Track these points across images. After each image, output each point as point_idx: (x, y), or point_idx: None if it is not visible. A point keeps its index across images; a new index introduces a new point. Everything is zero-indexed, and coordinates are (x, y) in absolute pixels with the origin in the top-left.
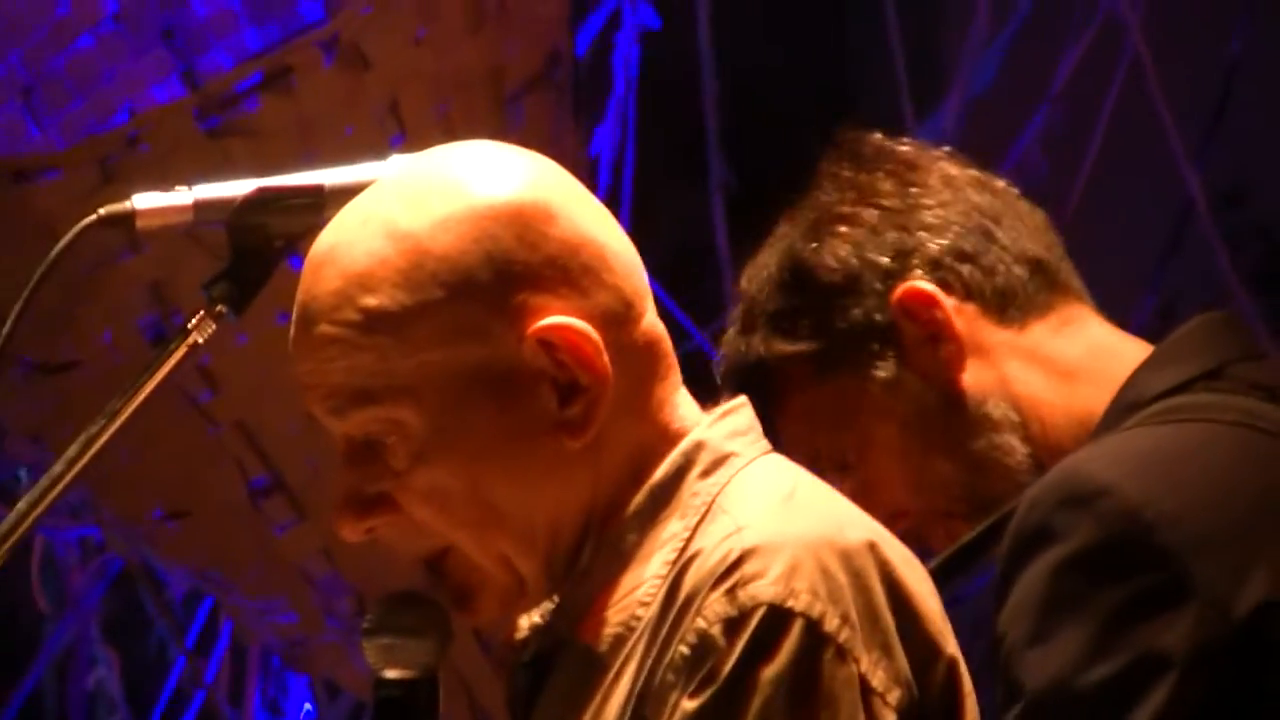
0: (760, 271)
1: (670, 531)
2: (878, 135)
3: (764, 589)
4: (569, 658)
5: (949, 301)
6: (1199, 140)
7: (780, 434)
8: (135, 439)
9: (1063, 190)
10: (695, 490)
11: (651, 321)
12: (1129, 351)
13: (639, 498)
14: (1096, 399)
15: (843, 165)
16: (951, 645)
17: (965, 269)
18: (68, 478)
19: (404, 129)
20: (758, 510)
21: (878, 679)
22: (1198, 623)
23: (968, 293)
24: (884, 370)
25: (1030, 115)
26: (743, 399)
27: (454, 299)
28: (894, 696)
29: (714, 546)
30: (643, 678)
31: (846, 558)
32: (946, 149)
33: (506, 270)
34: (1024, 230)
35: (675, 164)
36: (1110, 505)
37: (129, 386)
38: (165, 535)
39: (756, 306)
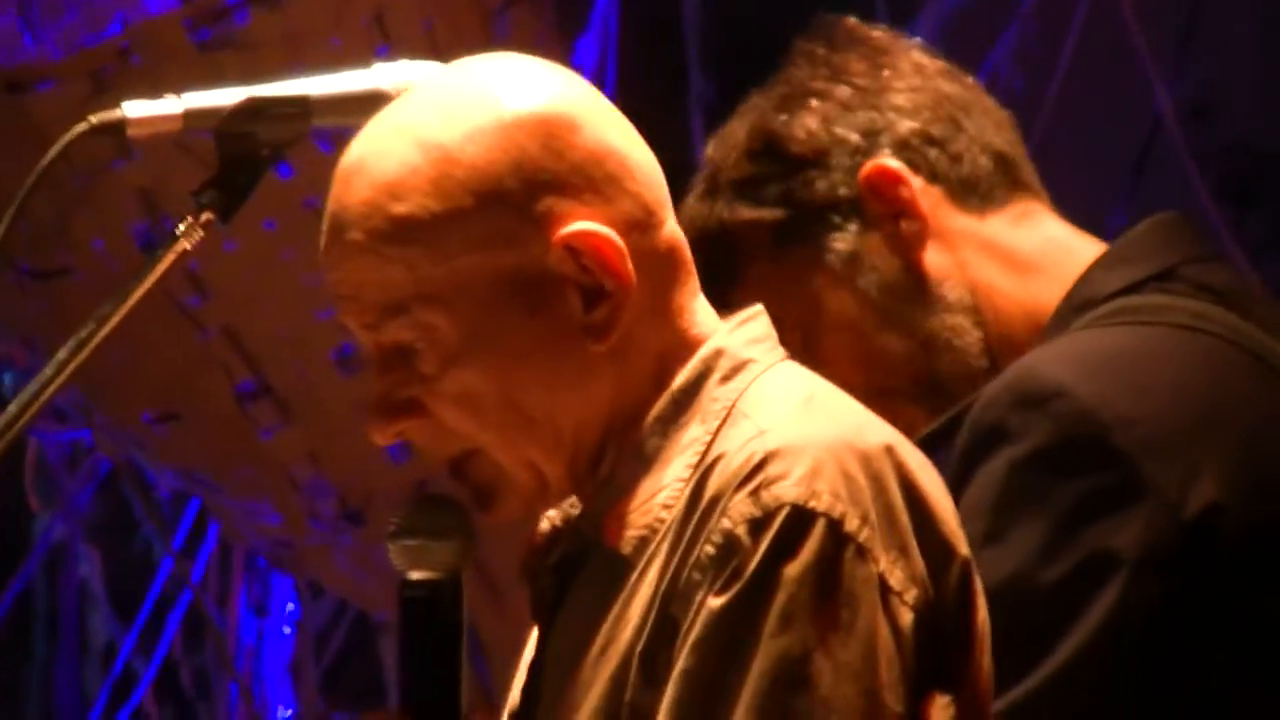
0: (728, 139)
1: (691, 436)
2: (852, 19)
3: (787, 490)
4: (594, 561)
5: (915, 182)
6: (1169, 56)
7: (734, 302)
8: (125, 344)
9: (1035, 104)
10: (715, 396)
11: (672, 229)
12: (1083, 249)
13: (661, 403)
14: (1049, 292)
15: (817, 45)
16: (964, 547)
17: (932, 153)
18: (58, 381)
19: (389, 41)
20: (779, 414)
21: (896, 578)
22: (1149, 523)
23: (933, 176)
24: (843, 242)
25: (1002, 30)
26: (759, 307)
27: (482, 206)
28: (911, 595)
29: (737, 450)
30: (668, 578)
31: (866, 460)
32: (917, 40)
33: (533, 178)
34: (990, 124)
35: (655, 78)
36: (1065, 406)
37: (119, 292)
38: (154, 438)
39: (722, 173)
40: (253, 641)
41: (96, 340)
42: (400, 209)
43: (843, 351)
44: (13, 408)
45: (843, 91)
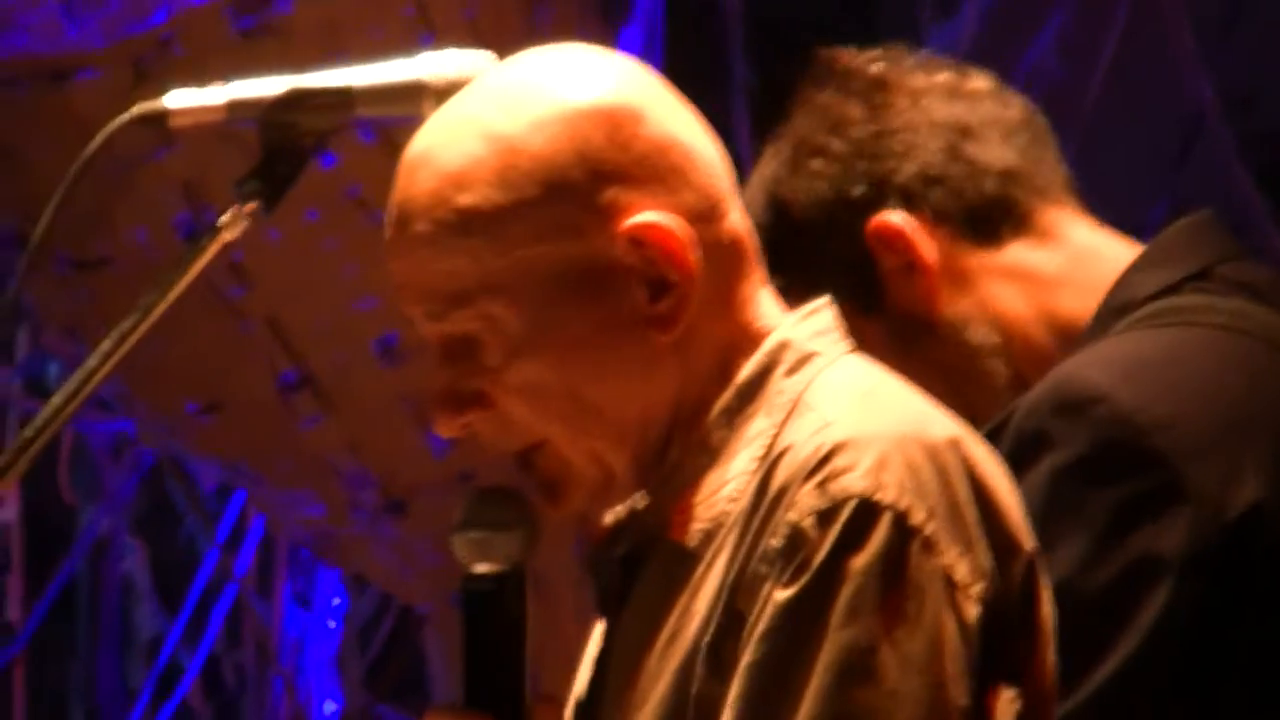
0: (746, 206)
1: (757, 429)
2: (850, 53)
3: (854, 482)
4: (659, 554)
5: (919, 232)
6: (1210, 47)
7: None
8: (168, 334)
9: (1077, 95)
10: (781, 388)
11: (735, 220)
12: (1115, 252)
13: (726, 395)
14: (1081, 305)
15: (815, 90)
16: (1030, 541)
17: (935, 193)
18: (103, 371)
19: (433, 30)
20: (845, 407)
21: (961, 572)
22: (1192, 525)
23: (940, 216)
24: (863, 302)
25: (1046, 21)
26: (825, 299)
27: (547, 198)
28: (977, 589)
29: (804, 442)
30: (734, 570)
31: (932, 453)
32: (919, 55)
33: (598, 169)
34: (995, 136)
35: (699, 66)
36: (1104, 411)
37: (163, 282)
38: (197, 429)
39: None
40: (297, 635)
41: (141, 331)
42: (465, 200)
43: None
44: (57, 398)
45: (841, 146)
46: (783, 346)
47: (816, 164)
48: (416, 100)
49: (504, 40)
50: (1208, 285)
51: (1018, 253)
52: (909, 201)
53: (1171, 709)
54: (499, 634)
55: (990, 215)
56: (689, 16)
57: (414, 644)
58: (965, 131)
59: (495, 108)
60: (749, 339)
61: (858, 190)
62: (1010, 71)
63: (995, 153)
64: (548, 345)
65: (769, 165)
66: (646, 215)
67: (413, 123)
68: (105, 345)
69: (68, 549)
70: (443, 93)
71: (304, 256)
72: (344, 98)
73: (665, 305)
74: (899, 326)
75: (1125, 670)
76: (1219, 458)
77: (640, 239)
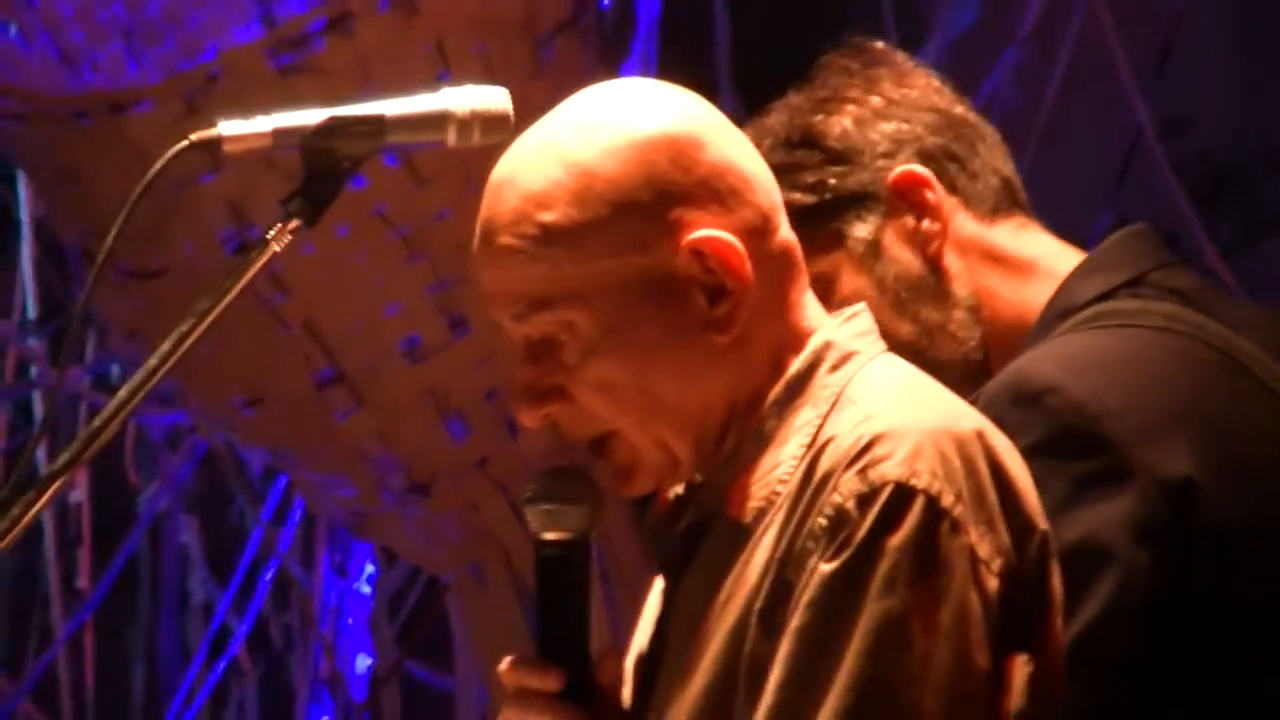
0: (766, 129)
1: (804, 419)
2: (880, 43)
3: (892, 469)
4: (717, 528)
5: (938, 187)
6: (1147, 78)
7: None
8: (217, 336)
9: (1029, 120)
10: (825, 383)
11: (785, 234)
12: (1068, 258)
13: (777, 389)
14: (1040, 296)
15: (850, 59)
16: (1043, 522)
17: (952, 167)
18: (163, 370)
19: (449, 67)
20: (883, 401)
21: (984, 549)
22: (1137, 498)
23: (952, 187)
24: (864, 232)
25: (1001, 54)
26: (863, 305)
27: (619, 215)
28: (997, 564)
29: (847, 432)
30: (784, 544)
31: (960, 444)
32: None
33: (664, 191)
34: (997, 151)
35: None
36: (1058, 401)
37: (215, 290)
38: (243, 420)
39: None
40: (335, 601)
41: (197, 333)
42: (547, 217)
43: None
44: (122, 393)
45: (875, 101)
46: (827, 346)
47: (850, 108)
48: (441, 128)
49: (512, 74)
50: (1141, 291)
51: (1001, 236)
52: (929, 164)
53: (1131, 660)
54: (567, 594)
55: (988, 201)
56: (681, 54)
57: (438, 608)
58: (979, 134)
59: (571, 136)
60: (797, 338)
61: (885, 140)
62: (970, 97)
63: (997, 161)
64: (619, 346)
65: (798, 103)
66: (706, 231)
67: (433, 149)
68: (165, 347)
69: (131, 525)
70: (464, 121)
71: (336, 267)
72: (377, 126)
73: (723, 310)
74: (891, 271)
75: (1087, 631)
76: (1159, 441)
77: (701, 252)
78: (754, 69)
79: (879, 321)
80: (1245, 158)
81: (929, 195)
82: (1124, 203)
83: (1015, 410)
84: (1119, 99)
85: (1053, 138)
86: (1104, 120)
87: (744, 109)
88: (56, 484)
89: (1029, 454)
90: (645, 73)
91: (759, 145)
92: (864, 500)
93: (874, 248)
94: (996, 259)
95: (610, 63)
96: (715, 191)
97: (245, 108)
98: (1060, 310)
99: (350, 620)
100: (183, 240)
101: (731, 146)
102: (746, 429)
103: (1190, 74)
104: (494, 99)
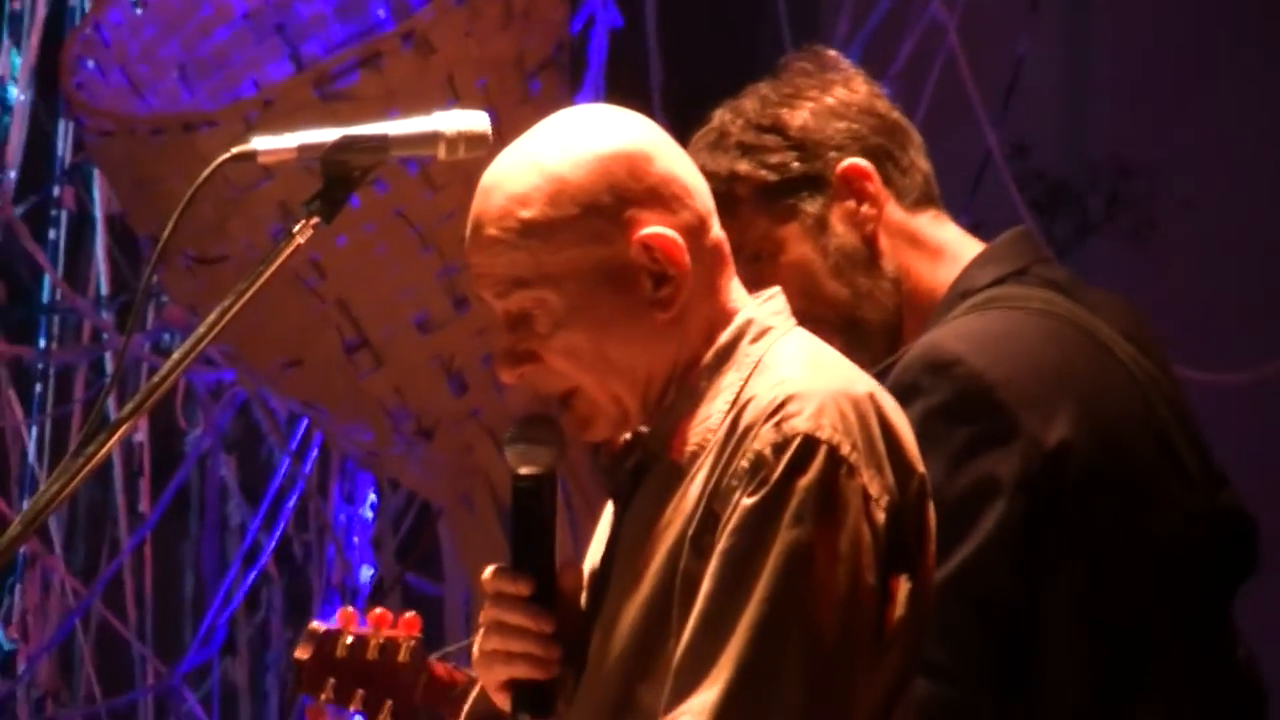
0: (740, 111)
1: (730, 381)
2: (833, 51)
3: (801, 423)
4: (658, 467)
5: (877, 180)
6: (995, 108)
7: (722, 227)
8: (264, 310)
9: None
10: (747, 352)
11: (717, 232)
12: (970, 248)
13: (708, 356)
14: (948, 275)
15: (809, 62)
16: (921, 467)
17: (888, 164)
18: (209, 337)
19: (457, 97)
20: (794, 368)
21: (874, 488)
22: (1022, 455)
23: (887, 180)
24: (813, 208)
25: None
26: (778, 289)
27: (585, 214)
28: (884, 501)
29: (764, 392)
30: (712, 482)
31: (856, 403)
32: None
33: (621, 195)
34: (920, 153)
35: None
36: (962, 371)
37: (253, 272)
38: (284, 379)
39: (730, 135)
40: (345, 522)
41: (236, 308)
42: (526, 214)
43: (793, 284)
44: (176, 355)
45: (830, 101)
46: (749, 322)
47: (811, 104)
48: (434, 144)
49: (507, 101)
50: (1025, 279)
51: (922, 223)
52: (871, 159)
53: (1004, 585)
54: (537, 517)
55: (914, 194)
56: (623, 85)
57: (432, 529)
58: (909, 136)
59: (547, 150)
60: (725, 316)
61: (838, 135)
62: None
63: (922, 160)
64: (582, 320)
65: (767, 92)
66: (654, 229)
67: (439, 162)
68: (211, 318)
69: (181, 462)
70: (451, 140)
71: (363, 256)
72: (381, 142)
73: (666, 293)
74: (833, 244)
75: (972, 558)
76: (1042, 407)
77: (650, 245)
78: (681, 98)
79: (819, 285)
80: (1075, 175)
81: (869, 186)
82: (977, 210)
83: (926, 376)
84: (973, 126)
85: None
86: (961, 144)
87: (674, 130)
88: (123, 428)
89: (936, 413)
90: (596, 100)
91: (731, 123)
92: (778, 448)
93: (821, 222)
94: (917, 243)
95: (571, 93)
96: (662, 197)
97: (294, 127)
98: (961, 291)
99: (356, 539)
100: (241, 233)
101: (675, 162)
102: (683, 388)
103: (1030, 108)
104: (475, 122)
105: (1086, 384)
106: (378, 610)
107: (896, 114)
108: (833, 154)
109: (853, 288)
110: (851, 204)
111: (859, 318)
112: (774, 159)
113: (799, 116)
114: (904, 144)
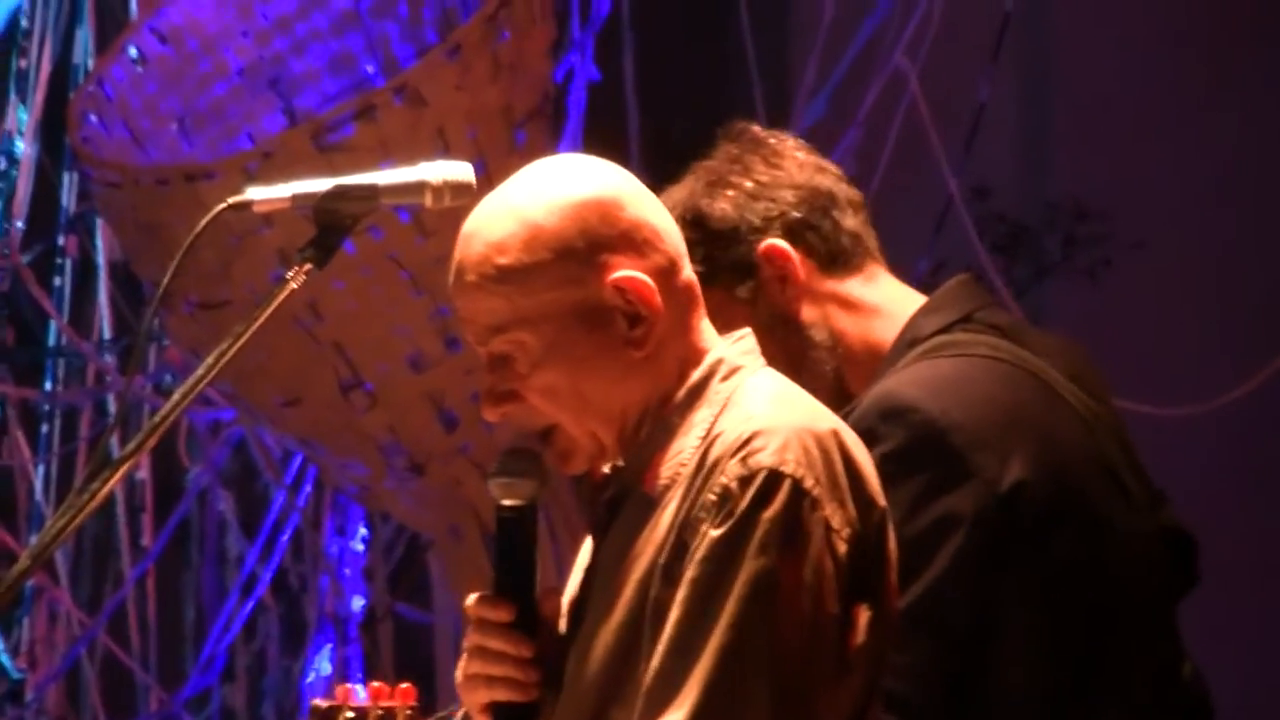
0: (674, 200)
1: (700, 417)
2: (757, 126)
3: (766, 458)
4: (633, 499)
5: (796, 257)
6: (956, 154)
7: None
8: (263, 351)
9: (865, 187)
10: (717, 390)
11: (688, 274)
12: (910, 300)
13: (680, 393)
14: (887, 332)
15: (733, 143)
16: (882, 500)
17: (810, 235)
18: (207, 378)
19: (448, 147)
20: (760, 405)
21: (836, 521)
22: (976, 496)
23: (810, 251)
24: (744, 293)
25: (844, 136)
26: (748, 330)
27: (559, 259)
28: (846, 533)
29: (732, 428)
30: (683, 513)
31: (819, 439)
32: (800, 140)
33: (594, 241)
34: (849, 209)
35: None
36: (917, 418)
37: (249, 315)
38: (283, 417)
39: None
40: (337, 554)
41: (233, 351)
42: (503, 260)
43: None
44: (176, 395)
45: (749, 185)
46: (719, 361)
47: (729, 194)
48: (420, 193)
49: (496, 150)
50: (970, 326)
51: (852, 287)
52: (791, 235)
53: (959, 617)
54: (519, 546)
55: (840, 258)
56: (601, 136)
57: (422, 560)
58: (832, 199)
59: (523, 198)
60: (696, 354)
61: (757, 219)
62: None
63: (848, 220)
64: (559, 360)
65: (691, 185)
66: (626, 271)
67: (427, 210)
68: (210, 359)
69: (182, 497)
70: (437, 188)
71: (359, 299)
72: (371, 192)
73: (639, 332)
74: (766, 318)
75: (929, 592)
76: (996, 449)
77: (622, 288)
78: (657, 147)
79: (760, 342)
80: (1032, 217)
81: (789, 265)
82: (939, 251)
83: (882, 423)
84: (935, 171)
85: (883, 200)
86: (923, 187)
87: (650, 177)
88: (125, 465)
89: (892, 458)
90: (575, 150)
91: (670, 213)
92: (744, 481)
93: (751, 301)
94: (850, 305)
95: (553, 144)
96: (633, 241)
97: (291, 177)
98: (909, 340)
99: (348, 570)
100: (243, 279)
101: (646, 207)
102: (658, 423)
103: (990, 153)
104: (459, 171)
105: (1037, 424)
106: (374, 684)
107: (824, 177)
108: (753, 237)
109: (788, 354)
110: (776, 282)
111: (803, 382)
112: (699, 253)
113: (718, 208)
114: (827, 209)
